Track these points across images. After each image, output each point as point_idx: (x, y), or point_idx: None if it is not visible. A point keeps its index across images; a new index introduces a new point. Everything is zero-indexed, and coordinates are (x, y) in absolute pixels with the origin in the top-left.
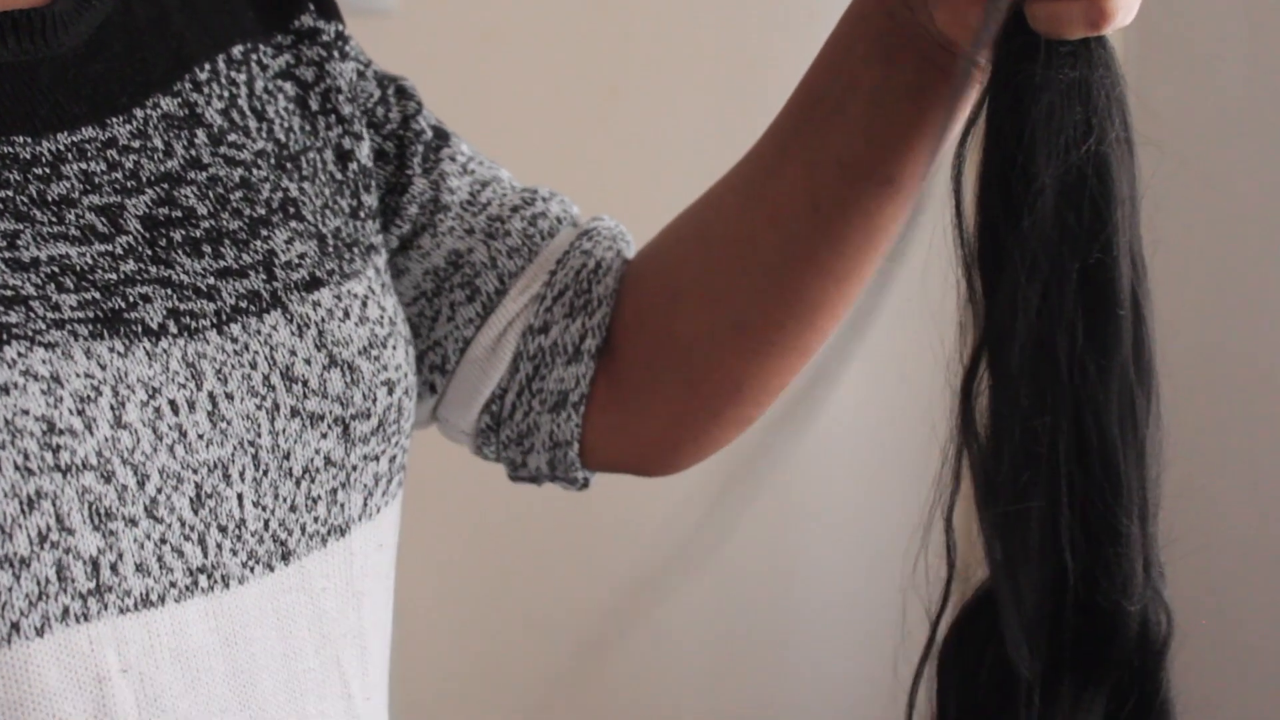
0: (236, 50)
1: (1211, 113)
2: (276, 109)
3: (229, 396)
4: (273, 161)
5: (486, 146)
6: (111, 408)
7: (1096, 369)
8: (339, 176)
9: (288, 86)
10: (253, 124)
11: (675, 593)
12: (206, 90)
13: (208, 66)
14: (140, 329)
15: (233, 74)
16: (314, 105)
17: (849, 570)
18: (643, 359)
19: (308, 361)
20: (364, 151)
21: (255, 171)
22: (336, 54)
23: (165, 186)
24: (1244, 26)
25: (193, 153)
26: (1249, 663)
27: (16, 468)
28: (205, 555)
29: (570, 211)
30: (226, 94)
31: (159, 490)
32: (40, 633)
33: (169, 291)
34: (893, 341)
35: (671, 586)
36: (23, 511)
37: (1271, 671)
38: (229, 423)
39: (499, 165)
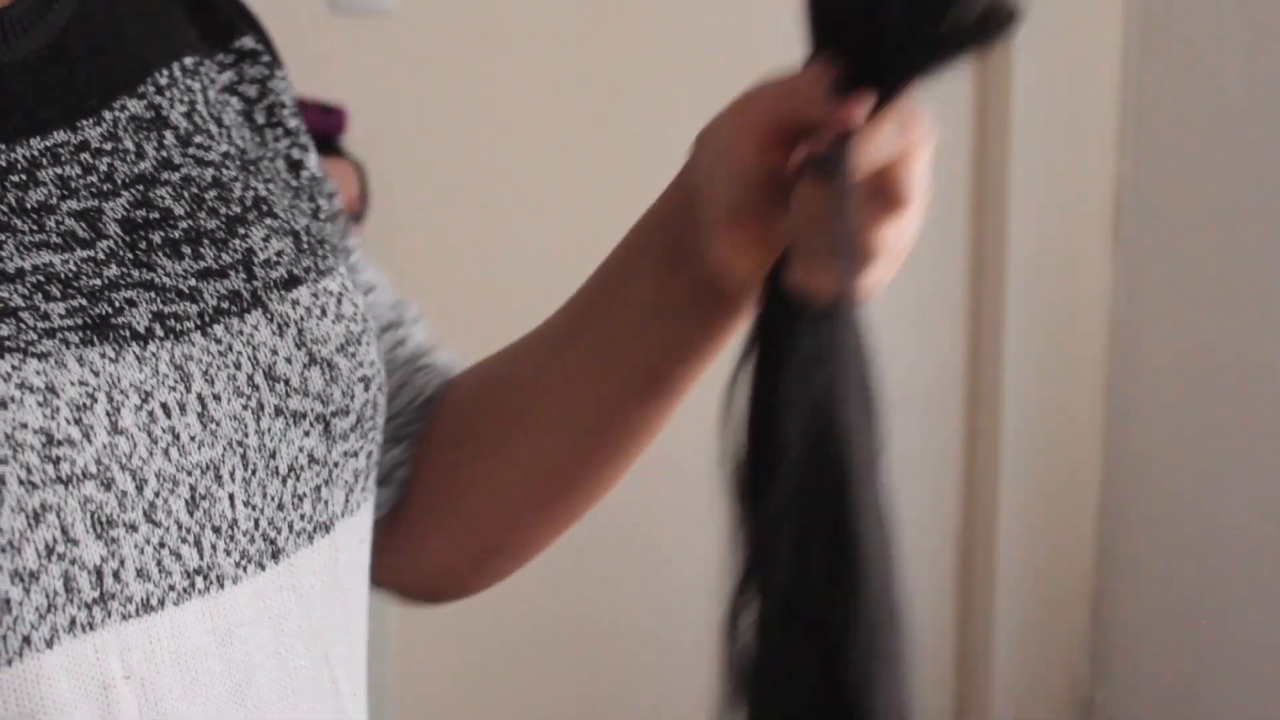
0: (188, 60)
1: (1212, 113)
2: (230, 118)
3: (216, 397)
4: (238, 163)
5: (486, 146)
6: (107, 414)
7: (845, 618)
8: (294, 183)
9: (234, 101)
10: (214, 128)
11: (676, 593)
12: (168, 94)
13: (165, 72)
14: (128, 333)
15: (188, 81)
16: (260, 119)
17: None
18: (426, 493)
19: (289, 360)
20: (312, 161)
21: (225, 171)
22: (277, 74)
23: (140, 188)
24: (1244, 26)
25: (164, 154)
26: (1249, 663)
27: (20, 482)
28: (201, 557)
29: (426, 343)
30: (186, 99)
31: (156, 494)
32: (50, 645)
33: (153, 295)
34: (893, 341)
35: (673, 587)
36: (29, 525)
37: (1272, 671)
38: (218, 424)
39: (378, 271)
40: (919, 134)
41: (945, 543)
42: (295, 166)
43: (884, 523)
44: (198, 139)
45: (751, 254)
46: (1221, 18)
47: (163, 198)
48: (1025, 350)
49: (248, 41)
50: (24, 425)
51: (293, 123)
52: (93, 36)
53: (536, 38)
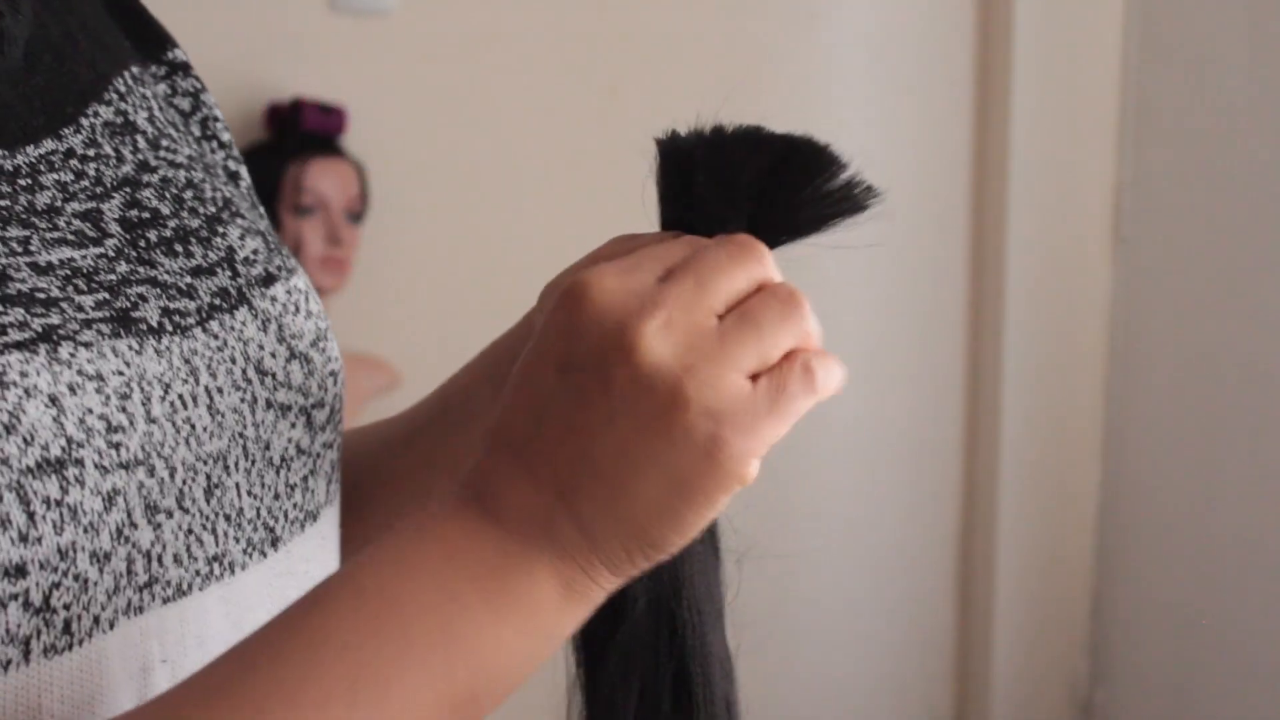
0: (134, 69)
1: (1212, 113)
2: (176, 126)
3: (220, 390)
4: (200, 165)
5: (486, 146)
6: (142, 404)
7: None
8: (238, 191)
9: (171, 113)
10: (173, 132)
11: None
12: (129, 100)
13: (120, 80)
14: (145, 327)
15: (140, 89)
16: (196, 131)
17: (848, 570)
18: None
19: (273, 355)
20: (245, 176)
21: (194, 173)
22: (207, 89)
23: (128, 190)
24: (1244, 26)
25: (140, 157)
26: (1249, 663)
27: (96, 466)
28: (217, 544)
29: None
30: (145, 105)
31: (184, 482)
32: (113, 626)
33: (159, 291)
34: (893, 342)
35: None
36: (105, 508)
37: (1272, 671)
38: (223, 415)
39: None
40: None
41: (945, 543)
42: (234, 177)
43: (729, 673)
44: (164, 142)
45: None
46: (1221, 18)
47: (149, 198)
48: (1025, 350)
49: (179, 54)
50: (90, 411)
51: (225, 136)
52: (53, 47)
53: (536, 38)
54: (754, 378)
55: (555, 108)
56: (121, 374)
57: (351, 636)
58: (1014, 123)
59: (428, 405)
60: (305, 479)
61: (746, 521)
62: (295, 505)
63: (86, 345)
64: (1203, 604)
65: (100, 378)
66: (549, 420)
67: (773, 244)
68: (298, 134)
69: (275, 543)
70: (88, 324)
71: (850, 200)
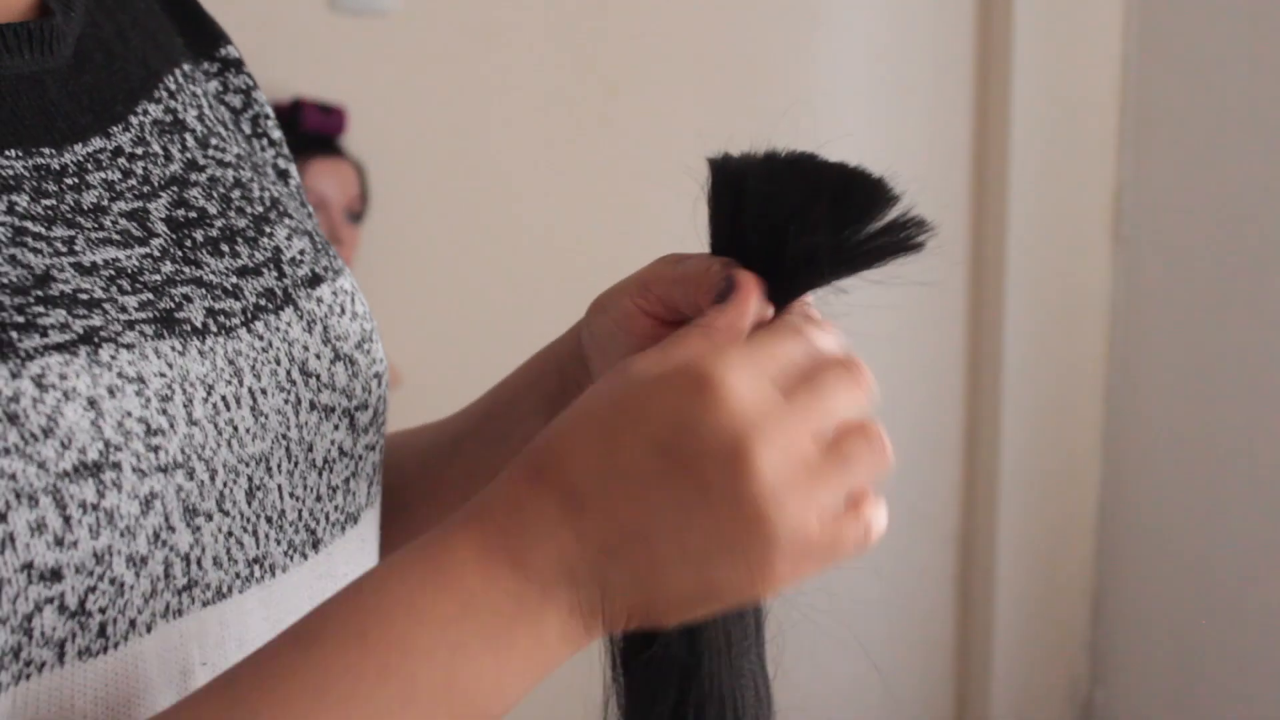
0: (186, 66)
1: (1212, 113)
2: (226, 124)
3: (264, 392)
4: (249, 164)
5: (486, 146)
6: (184, 406)
7: None
8: (287, 190)
9: (222, 110)
10: (223, 130)
11: None
12: (179, 98)
13: (171, 78)
14: (189, 328)
15: (191, 87)
16: (246, 129)
17: (848, 570)
18: None
19: (318, 356)
20: (295, 173)
21: (242, 172)
22: (258, 86)
23: (176, 189)
24: (1244, 26)
25: (188, 155)
26: (1249, 663)
27: (133, 469)
28: (258, 546)
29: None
30: (195, 103)
31: (225, 485)
32: (150, 629)
33: (204, 291)
34: (893, 341)
35: None
36: (142, 511)
37: (1272, 671)
38: (267, 417)
39: None
40: (817, 329)
41: (945, 543)
42: (283, 175)
43: (761, 697)
44: (213, 141)
45: None
46: (1221, 18)
47: (196, 197)
48: (1025, 350)
49: (232, 51)
50: (129, 414)
51: (276, 134)
52: (104, 45)
53: (536, 38)
54: None
55: (555, 108)
56: (163, 376)
57: (358, 688)
58: (1014, 123)
59: (472, 413)
60: (347, 481)
61: None
62: (337, 507)
63: (129, 347)
64: (1203, 604)
65: (141, 380)
66: (621, 488)
67: (825, 278)
68: (298, 134)
69: (316, 545)
70: (130, 325)
71: (904, 237)
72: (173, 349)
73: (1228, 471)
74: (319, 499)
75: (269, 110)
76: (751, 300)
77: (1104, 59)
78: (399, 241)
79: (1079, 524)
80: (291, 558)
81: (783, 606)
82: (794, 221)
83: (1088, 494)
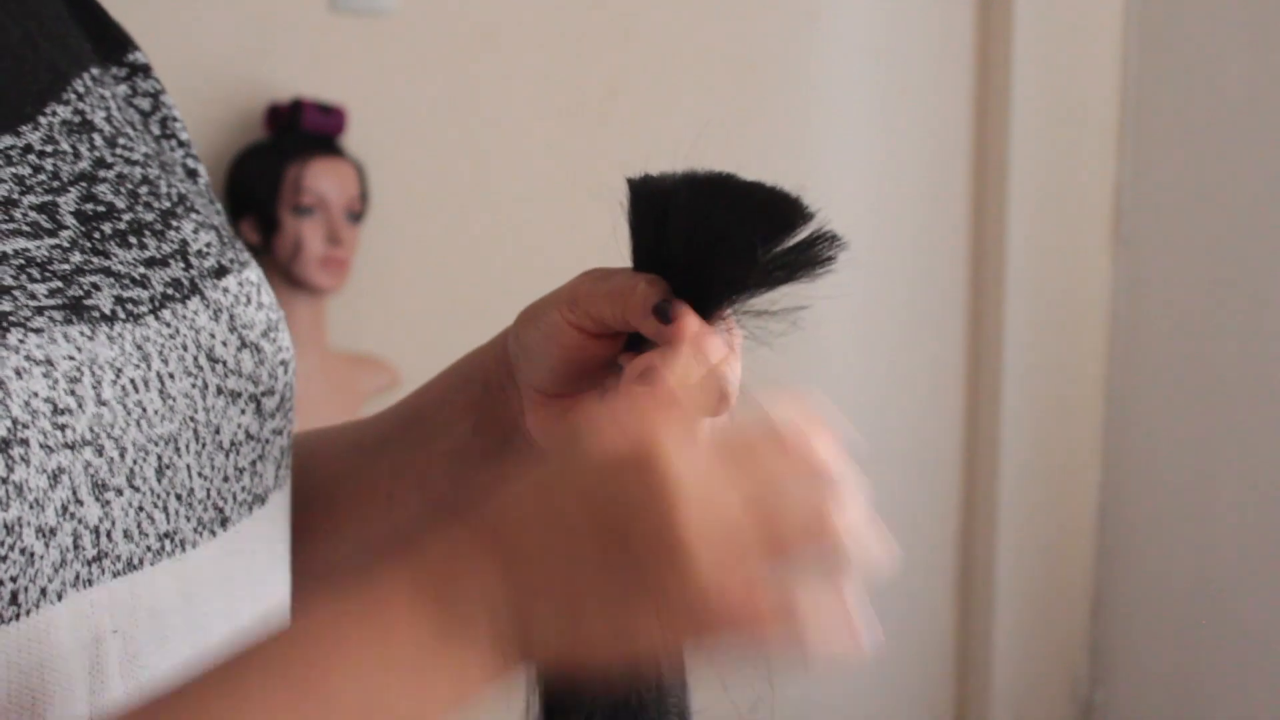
0: (94, 70)
1: (1212, 113)
2: (134, 125)
3: (171, 376)
4: (157, 163)
5: (486, 146)
6: (93, 387)
7: None
8: (195, 188)
9: (130, 113)
10: (131, 131)
11: None
12: (88, 100)
13: (80, 80)
14: (98, 315)
15: (99, 89)
16: (155, 131)
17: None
18: None
19: (224, 343)
20: (203, 174)
21: (149, 170)
22: (165, 90)
23: (85, 185)
24: (1244, 26)
25: (96, 154)
26: (1249, 662)
27: (40, 445)
28: (169, 521)
29: None
30: (103, 105)
31: (135, 462)
32: (60, 597)
33: (112, 280)
34: (893, 342)
35: None
36: (50, 485)
37: (1272, 671)
38: (174, 400)
39: None
40: (736, 344)
41: (945, 543)
42: (191, 174)
43: (681, 680)
44: (121, 140)
45: (559, 426)
46: (1221, 18)
47: (104, 193)
48: (1025, 350)
49: (140, 56)
50: (36, 394)
51: (184, 135)
52: (10, 49)
53: (536, 38)
54: None
55: (555, 108)
56: (72, 359)
57: (280, 699)
58: (1014, 123)
59: (397, 413)
60: (254, 463)
61: None
62: (244, 488)
63: (37, 331)
64: (1203, 604)
65: (49, 362)
66: (554, 536)
67: (745, 292)
68: (298, 134)
69: (224, 523)
70: (39, 311)
71: (818, 252)
72: (81, 334)
73: (1228, 472)
74: (226, 479)
75: (177, 113)
76: (692, 344)
77: (1104, 59)
78: (399, 241)
79: (1079, 524)
80: (201, 534)
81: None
82: (716, 238)
83: (1088, 494)
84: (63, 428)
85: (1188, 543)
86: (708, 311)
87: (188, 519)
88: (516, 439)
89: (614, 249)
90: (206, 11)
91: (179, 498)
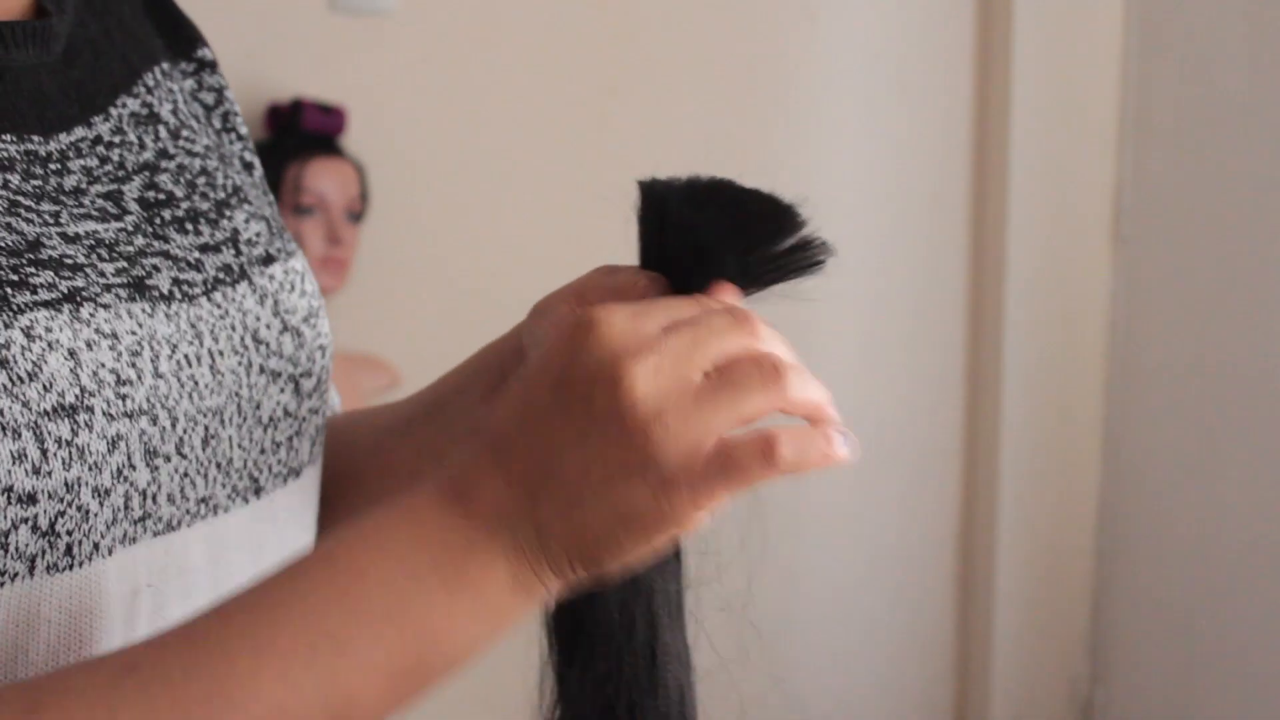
0: (164, 65)
1: (1212, 113)
2: (198, 118)
3: (220, 354)
4: (216, 155)
5: (486, 146)
6: (151, 361)
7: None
8: (250, 179)
9: (195, 105)
10: (194, 124)
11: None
12: (156, 93)
13: (150, 75)
14: (157, 294)
15: (168, 84)
16: (217, 124)
17: (848, 570)
18: None
19: (268, 326)
20: (258, 167)
21: (208, 162)
22: (229, 86)
23: (148, 174)
24: (1244, 26)
25: (160, 145)
26: (1249, 663)
27: (104, 413)
28: (207, 487)
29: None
30: (170, 99)
31: (184, 431)
32: (111, 553)
33: (170, 263)
34: (893, 342)
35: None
36: (109, 450)
37: (1271, 671)
38: (223, 375)
39: None
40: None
41: (945, 543)
42: (248, 167)
43: (684, 665)
44: (184, 133)
45: None
46: (1221, 18)
47: (165, 182)
48: (1025, 350)
49: (208, 53)
50: (103, 365)
51: (243, 130)
52: (91, 44)
53: (536, 38)
54: None
55: (555, 108)
56: (134, 334)
57: (318, 604)
58: (1014, 123)
59: (422, 399)
60: (290, 439)
61: (748, 521)
62: (280, 461)
63: (105, 307)
64: (1203, 604)
65: (115, 336)
66: (532, 427)
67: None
68: (298, 134)
69: (258, 491)
70: (108, 288)
71: (808, 256)
72: (143, 311)
73: (1228, 471)
74: (263, 451)
75: (237, 109)
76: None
77: (1104, 59)
78: (399, 241)
79: (1079, 524)
80: (234, 500)
81: (785, 608)
82: (710, 240)
83: (1088, 494)
84: (124, 397)
85: (1188, 543)
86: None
87: (223, 486)
88: None
89: (613, 248)
90: (206, 11)
91: (219, 466)
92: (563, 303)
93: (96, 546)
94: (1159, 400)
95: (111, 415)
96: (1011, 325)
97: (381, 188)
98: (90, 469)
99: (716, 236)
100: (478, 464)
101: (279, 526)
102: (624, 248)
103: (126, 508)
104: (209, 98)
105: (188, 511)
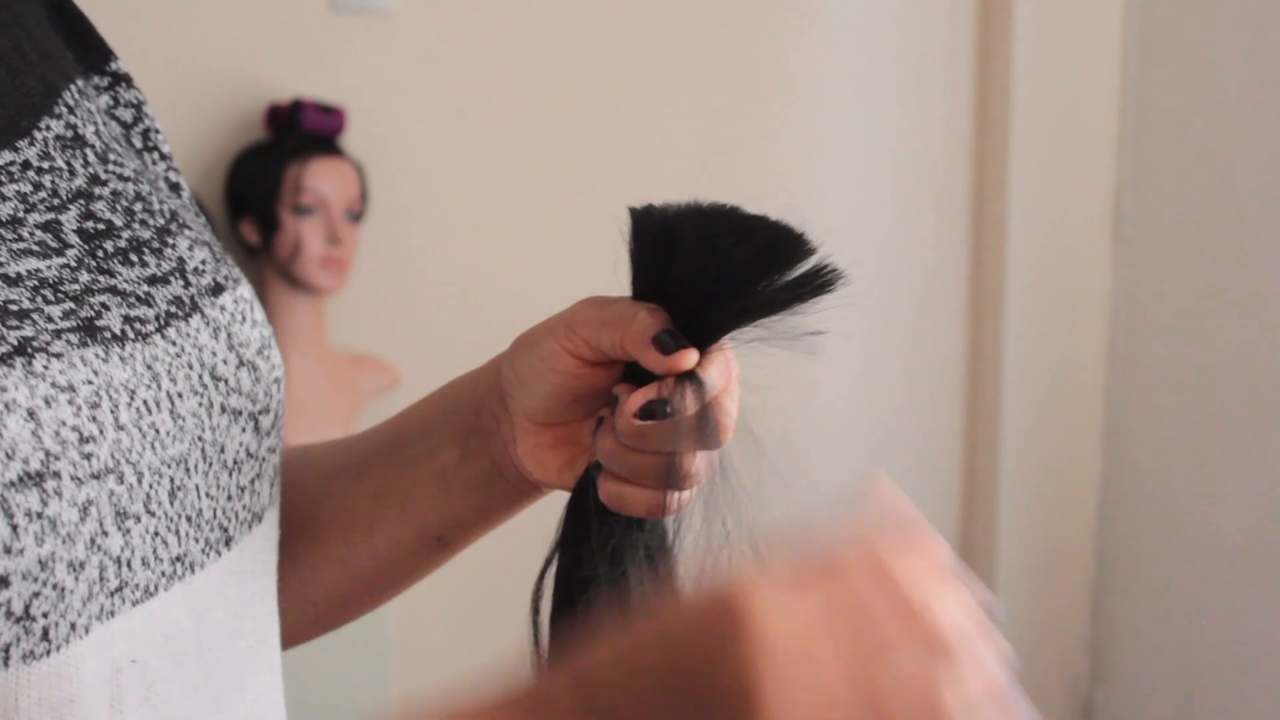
0: (79, 82)
1: (1212, 113)
2: (118, 139)
3: (180, 395)
4: (146, 179)
5: (486, 146)
6: (111, 412)
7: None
8: (181, 202)
9: (113, 126)
10: (118, 146)
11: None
12: (77, 114)
13: (68, 93)
14: (109, 335)
15: (85, 103)
16: (137, 144)
17: None
18: None
19: (225, 362)
20: (185, 187)
21: (141, 186)
22: (147, 101)
23: (83, 202)
24: (1244, 27)
25: (90, 170)
26: (1249, 663)
27: (71, 477)
28: (180, 544)
29: None
30: (91, 119)
31: (150, 486)
32: (88, 631)
33: (119, 299)
34: (893, 341)
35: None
36: (80, 518)
37: (1271, 671)
38: (184, 419)
39: None
40: (734, 374)
41: (945, 542)
42: (174, 188)
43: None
44: (111, 156)
45: (550, 454)
46: (1221, 18)
47: (102, 210)
48: (1025, 350)
49: (121, 66)
50: (64, 423)
51: (166, 148)
52: (4, 61)
53: (536, 38)
54: None
55: (555, 108)
56: (90, 383)
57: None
58: (1014, 123)
59: (379, 435)
60: (253, 481)
61: (748, 521)
62: (245, 506)
63: (58, 356)
64: (1203, 604)
65: (72, 389)
66: (626, 678)
67: (748, 323)
68: (298, 134)
69: (229, 542)
70: (58, 334)
71: (820, 284)
72: (96, 356)
73: (1227, 471)
74: (229, 498)
75: (158, 125)
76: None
77: (1104, 59)
78: (399, 241)
79: (1079, 524)
80: (208, 555)
81: None
82: (720, 272)
83: (1088, 494)
84: (89, 456)
85: (1188, 543)
86: (706, 342)
87: (196, 540)
88: (506, 467)
89: (613, 248)
90: (206, 12)
91: (189, 519)
92: (550, 338)
93: (74, 626)
94: (1159, 400)
95: (79, 479)
96: (1011, 325)
97: (381, 188)
98: (64, 542)
99: (725, 268)
100: (550, 687)
101: (248, 577)
102: (624, 248)
103: (102, 579)
104: (127, 114)
105: (163, 574)
